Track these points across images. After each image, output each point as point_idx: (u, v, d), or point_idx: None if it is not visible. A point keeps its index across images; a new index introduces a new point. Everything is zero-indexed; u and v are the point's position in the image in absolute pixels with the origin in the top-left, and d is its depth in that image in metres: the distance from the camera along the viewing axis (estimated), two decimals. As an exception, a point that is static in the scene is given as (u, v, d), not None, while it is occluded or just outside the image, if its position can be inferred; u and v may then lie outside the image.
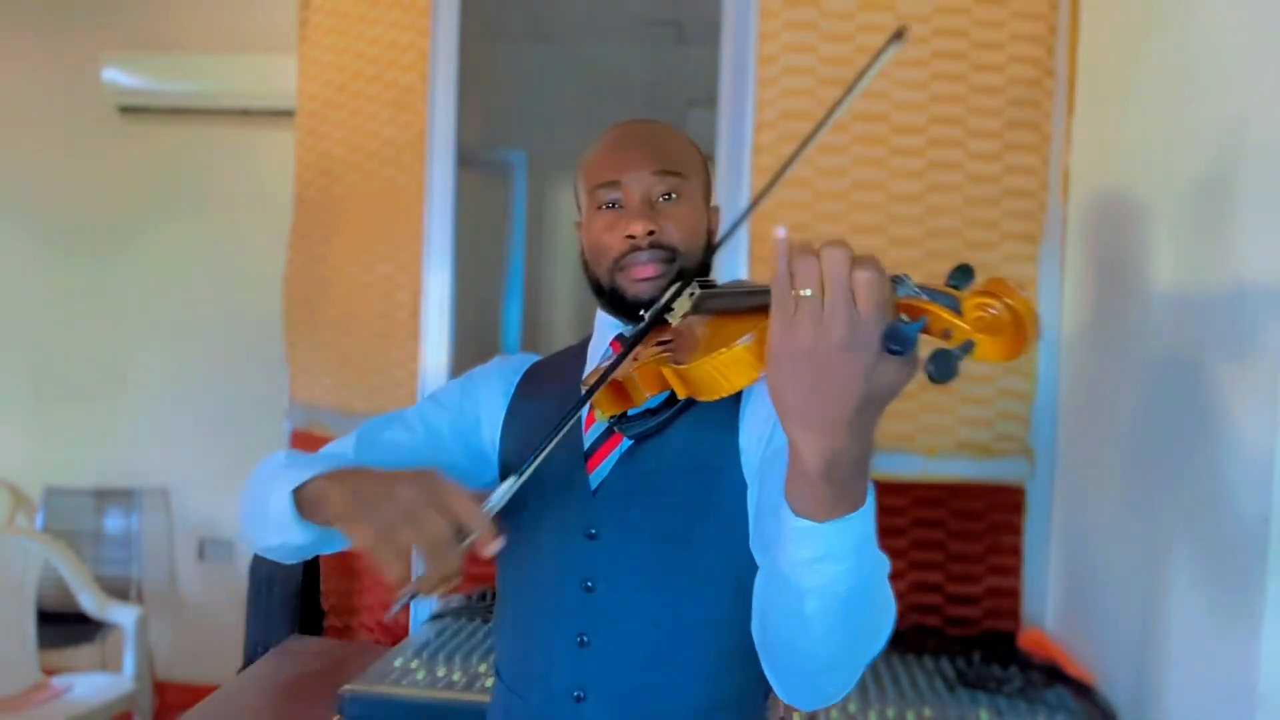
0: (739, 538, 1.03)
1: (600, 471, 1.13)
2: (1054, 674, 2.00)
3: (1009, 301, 0.65)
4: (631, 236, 1.10)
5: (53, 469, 3.84)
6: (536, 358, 1.30)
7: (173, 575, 3.86)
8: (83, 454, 3.86)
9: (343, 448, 1.17)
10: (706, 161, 1.22)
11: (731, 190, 2.36)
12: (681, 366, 0.88)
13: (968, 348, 0.65)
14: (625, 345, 0.97)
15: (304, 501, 0.97)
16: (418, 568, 0.83)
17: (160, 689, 3.43)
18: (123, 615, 3.05)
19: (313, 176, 3.06)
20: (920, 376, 0.67)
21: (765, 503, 0.95)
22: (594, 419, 1.14)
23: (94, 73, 3.65)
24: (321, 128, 3.01)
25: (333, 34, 2.95)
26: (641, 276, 1.11)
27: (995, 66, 2.28)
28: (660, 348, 0.98)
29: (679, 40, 3.73)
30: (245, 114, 3.71)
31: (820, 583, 0.75)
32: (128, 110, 3.76)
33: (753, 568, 0.94)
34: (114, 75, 3.63)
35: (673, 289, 1.01)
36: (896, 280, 0.69)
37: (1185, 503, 1.59)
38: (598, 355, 1.20)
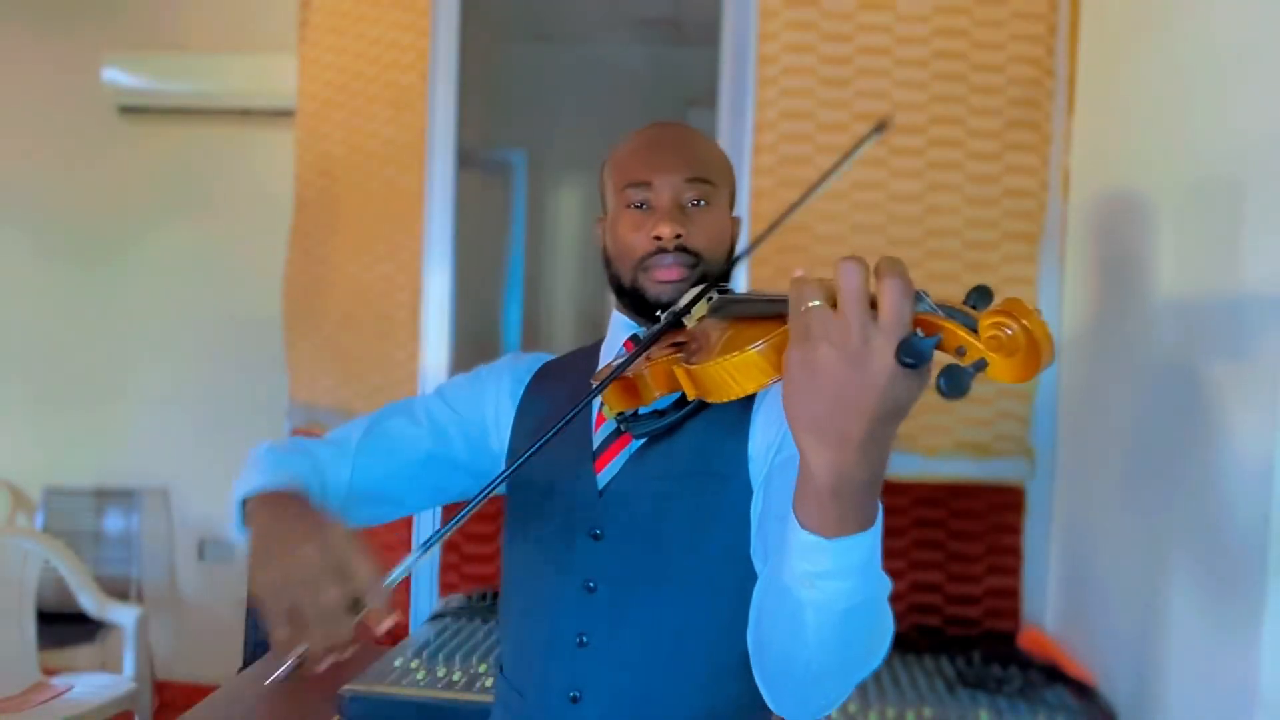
0: (744, 545, 1.03)
1: (608, 472, 1.12)
2: (1054, 674, 2.00)
3: (1025, 323, 0.64)
4: (659, 238, 1.11)
5: (52, 469, 3.84)
6: (549, 357, 1.30)
7: (173, 575, 3.86)
8: (82, 454, 3.86)
9: (350, 433, 1.18)
10: (734, 176, 1.24)
11: (731, 190, 2.36)
12: (693, 367, 0.88)
13: (980, 366, 0.65)
14: (639, 344, 0.98)
15: (247, 510, 0.98)
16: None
17: (160, 689, 3.42)
18: (123, 615, 3.05)
19: (313, 176, 3.06)
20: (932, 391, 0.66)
21: (770, 510, 0.95)
22: (604, 418, 1.14)
23: (94, 73, 3.65)
24: (322, 128, 3.01)
25: (333, 34, 2.95)
26: (664, 279, 1.11)
27: (995, 67, 2.28)
28: (674, 349, 0.98)
29: (679, 40, 3.73)
30: (245, 114, 3.71)
31: (820, 598, 0.75)
32: (128, 110, 3.76)
33: (754, 576, 0.93)
34: (114, 75, 3.63)
35: (692, 291, 1.03)
36: (915, 296, 0.68)
37: (1185, 503, 1.59)
38: (611, 355, 1.20)
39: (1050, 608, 2.27)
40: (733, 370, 0.82)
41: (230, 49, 3.70)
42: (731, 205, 1.22)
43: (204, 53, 3.70)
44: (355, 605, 0.78)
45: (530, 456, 0.88)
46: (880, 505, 0.75)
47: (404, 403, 1.24)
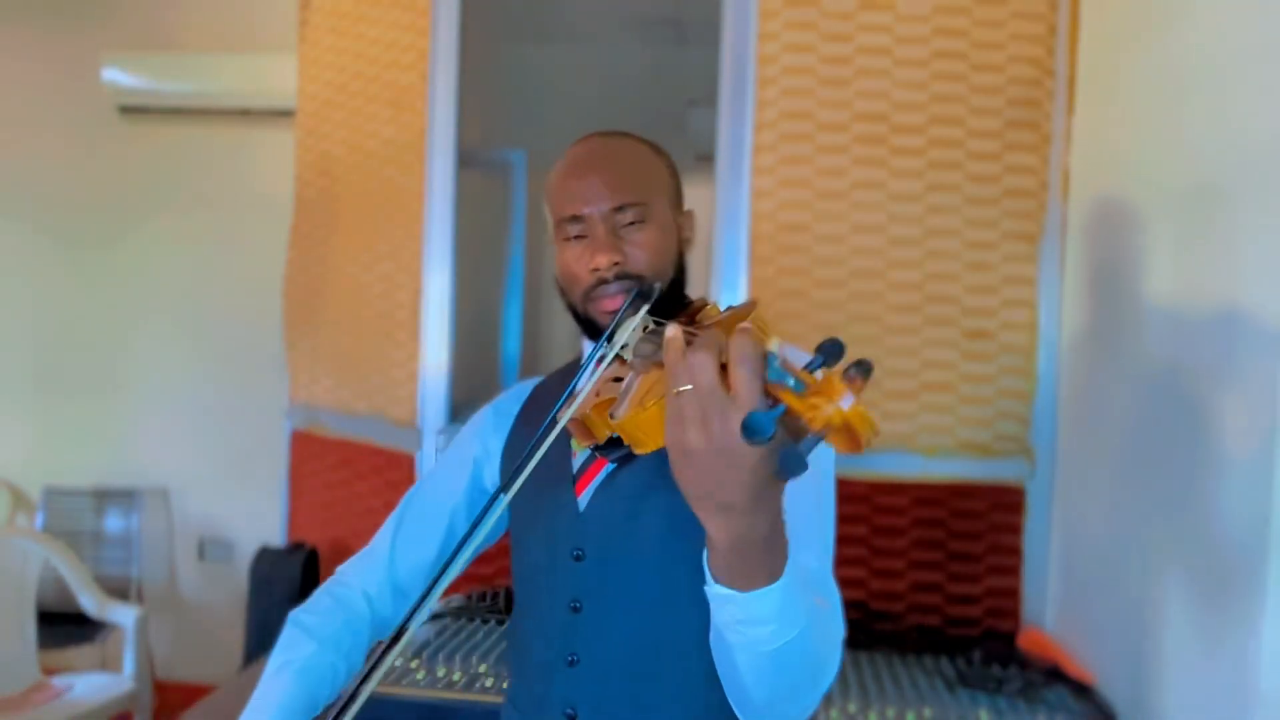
0: None
1: (587, 494, 1.15)
2: (1054, 674, 2.00)
3: (837, 404, 0.63)
4: (597, 269, 1.11)
5: (52, 469, 3.84)
6: (536, 381, 1.33)
7: (173, 575, 3.86)
8: (82, 454, 3.86)
9: (383, 538, 1.28)
10: (674, 168, 1.20)
11: (731, 190, 2.36)
12: (614, 422, 0.86)
13: (820, 437, 0.63)
14: (568, 393, 0.96)
15: None
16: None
17: (160, 689, 3.42)
18: (123, 615, 3.05)
19: (313, 176, 3.06)
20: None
21: None
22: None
23: (94, 72, 3.65)
24: (322, 128, 3.01)
25: (332, 34, 2.95)
26: (611, 309, 1.11)
27: (995, 66, 2.28)
28: (615, 384, 0.96)
29: (679, 40, 3.73)
30: (245, 114, 3.71)
31: (745, 641, 0.77)
32: (128, 110, 3.76)
33: None
34: (114, 75, 3.63)
35: (627, 324, 0.97)
36: (765, 361, 0.67)
37: (1184, 503, 1.59)
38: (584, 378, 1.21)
39: (1050, 607, 2.27)
40: (643, 425, 0.80)
41: (230, 49, 3.69)
42: (678, 204, 1.19)
43: (203, 53, 3.70)
44: None
45: (508, 492, 0.90)
46: (802, 558, 0.77)
47: (416, 486, 1.32)
